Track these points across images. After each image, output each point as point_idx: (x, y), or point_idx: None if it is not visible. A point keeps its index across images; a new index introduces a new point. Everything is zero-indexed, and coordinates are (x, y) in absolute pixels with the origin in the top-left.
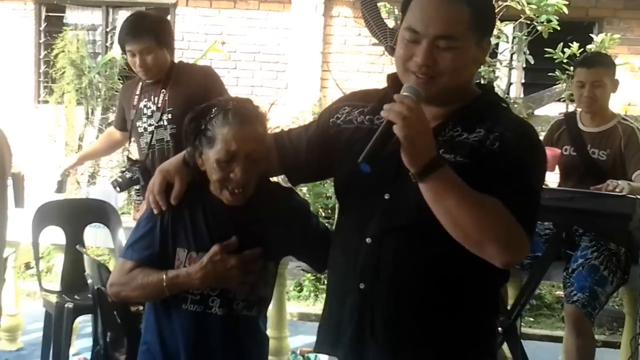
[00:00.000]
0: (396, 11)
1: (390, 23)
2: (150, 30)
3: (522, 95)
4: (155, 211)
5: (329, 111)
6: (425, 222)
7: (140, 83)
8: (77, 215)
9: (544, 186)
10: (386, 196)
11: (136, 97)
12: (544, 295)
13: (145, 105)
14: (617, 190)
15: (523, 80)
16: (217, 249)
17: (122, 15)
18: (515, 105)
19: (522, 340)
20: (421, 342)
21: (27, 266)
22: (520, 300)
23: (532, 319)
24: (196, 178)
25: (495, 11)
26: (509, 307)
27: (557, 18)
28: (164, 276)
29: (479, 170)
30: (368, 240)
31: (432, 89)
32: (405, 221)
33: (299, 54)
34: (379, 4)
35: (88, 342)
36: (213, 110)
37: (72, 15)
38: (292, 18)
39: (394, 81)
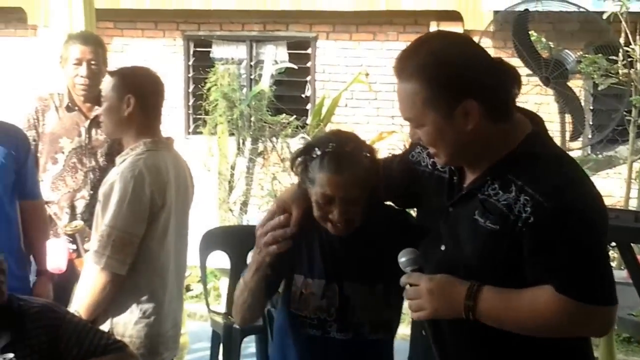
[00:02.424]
0: (543, 40)
1: (544, 53)
2: None
3: None
4: (278, 250)
5: (411, 147)
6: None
7: None
8: (240, 241)
9: None
10: (442, 247)
11: None
12: None
13: None
14: None
15: None
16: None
17: (267, 49)
18: None
19: None
20: None
21: (187, 288)
22: None
23: None
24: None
25: (468, 70)
26: None
27: None
28: (242, 279)
29: (509, 238)
30: None
31: (441, 159)
32: (460, 275)
33: None
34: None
35: None
36: (315, 150)
37: (218, 50)
38: None
39: None
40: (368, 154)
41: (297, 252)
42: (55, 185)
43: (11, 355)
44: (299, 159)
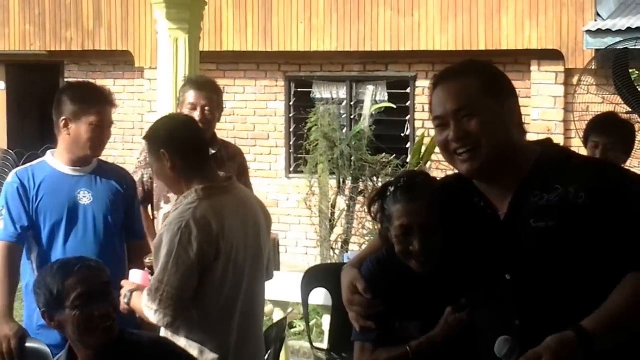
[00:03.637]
0: None
1: None
2: None
3: None
4: (368, 322)
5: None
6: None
7: None
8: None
9: None
10: (507, 276)
11: None
12: None
13: None
14: None
15: None
16: (450, 309)
17: (367, 89)
18: None
19: None
20: None
21: (290, 325)
22: None
23: None
24: (391, 250)
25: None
26: None
27: None
28: (408, 348)
29: (572, 230)
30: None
31: (476, 161)
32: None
33: (538, 123)
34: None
35: None
36: (388, 188)
37: (319, 90)
38: (531, 88)
39: None
40: (439, 187)
41: (394, 301)
42: None
43: None
44: (375, 203)
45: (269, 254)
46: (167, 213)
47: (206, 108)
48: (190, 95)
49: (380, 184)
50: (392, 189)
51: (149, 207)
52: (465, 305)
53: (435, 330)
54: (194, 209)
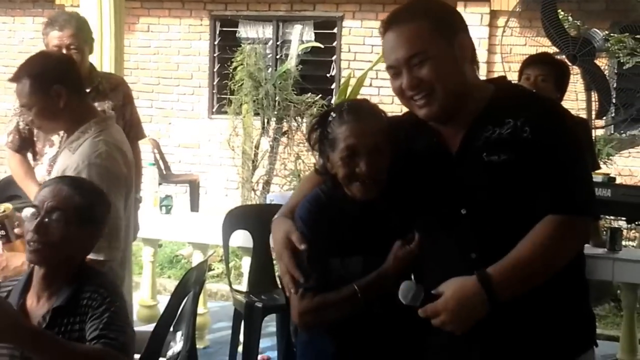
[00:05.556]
0: (570, 19)
1: (571, 32)
2: None
3: None
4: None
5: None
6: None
7: None
8: (263, 220)
9: None
10: (463, 211)
11: None
12: None
13: None
14: None
15: None
16: (399, 243)
17: (293, 29)
18: None
19: None
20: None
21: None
22: None
23: None
24: (328, 185)
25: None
26: None
27: None
28: (355, 287)
29: (522, 163)
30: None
31: (434, 106)
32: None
33: None
34: None
35: (270, 341)
36: (330, 114)
37: (245, 30)
38: None
39: None
40: (383, 113)
41: (329, 240)
42: (52, 168)
43: None
44: (316, 129)
45: None
46: (52, 157)
47: (72, 47)
48: (53, 37)
49: (304, 124)
50: (334, 114)
51: (28, 154)
52: (414, 238)
53: (385, 266)
54: (103, 138)
